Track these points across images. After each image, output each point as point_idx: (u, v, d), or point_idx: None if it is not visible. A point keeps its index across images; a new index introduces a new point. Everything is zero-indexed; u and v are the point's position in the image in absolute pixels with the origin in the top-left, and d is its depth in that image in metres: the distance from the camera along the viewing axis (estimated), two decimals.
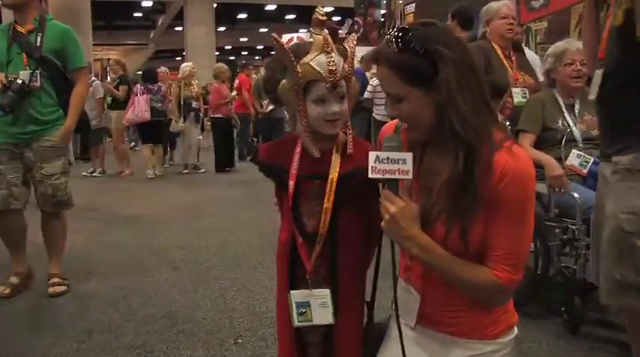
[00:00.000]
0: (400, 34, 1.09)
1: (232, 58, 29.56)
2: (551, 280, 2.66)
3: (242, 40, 29.14)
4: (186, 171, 8.03)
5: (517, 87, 3.03)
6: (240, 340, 2.41)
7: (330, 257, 1.29)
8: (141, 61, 25.59)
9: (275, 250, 1.39)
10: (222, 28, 25.43)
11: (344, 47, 1.28)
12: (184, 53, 20.07)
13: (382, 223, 1.12)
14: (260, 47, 30.42)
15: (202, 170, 8.05)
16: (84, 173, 7.69)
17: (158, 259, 3.74)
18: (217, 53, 22.01)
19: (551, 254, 2.53)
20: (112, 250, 3.98)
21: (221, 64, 8.49)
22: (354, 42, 1.28)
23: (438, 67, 1.07)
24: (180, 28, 21.46)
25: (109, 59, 22.32)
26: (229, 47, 30.46)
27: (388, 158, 1.10)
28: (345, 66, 1.25)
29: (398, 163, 1.09)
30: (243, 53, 33.23)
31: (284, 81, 1.27)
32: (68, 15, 9.11)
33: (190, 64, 8.33)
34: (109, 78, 10.33)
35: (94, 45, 12.25)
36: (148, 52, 27.90)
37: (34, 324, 2.65)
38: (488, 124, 1.11)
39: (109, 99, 7.65)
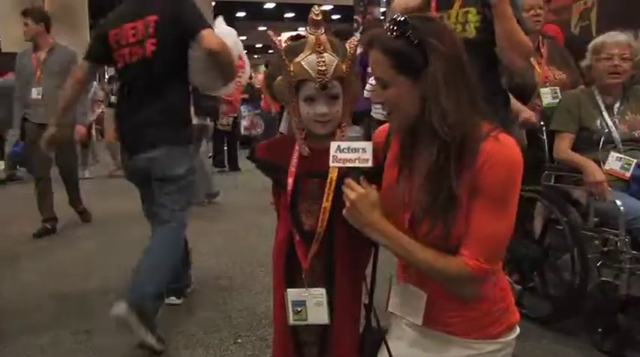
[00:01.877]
0: (399, 22, 1.12)
1: None
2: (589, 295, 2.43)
3: (241, 38, 29.06)
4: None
5: (546, 86, 2.76)
6: (239, 340, 2.41)
7: (327, 256, 1.30)
8: None
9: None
10: None
11: (345, 47, 1.29)
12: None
13: (344, 211, 1.16)
14: (259, 46, 30.45)
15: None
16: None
17: None
18: None
19: (590, 267, 2.29)
20: (110, 249, 3.98)
21: None
22: (355, 42, 1.28)
23: (429, 59, 1.09)
24: None
25: None
26: None
27: (349, 147, 1.15)
28: (343, 66, 1.26)
29: (358, 151, 1.15)
30: None
31: (279, 78, 1.30)
32: (64, 12, 9.12)
33: None
34: (106, 76, 10.30)
35: None
36: None
37: (31, 322, 2.65)
38: (468, 122, 1.12)
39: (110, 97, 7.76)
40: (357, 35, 1.39)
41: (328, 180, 1.25)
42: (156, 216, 2.47)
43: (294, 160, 1.32)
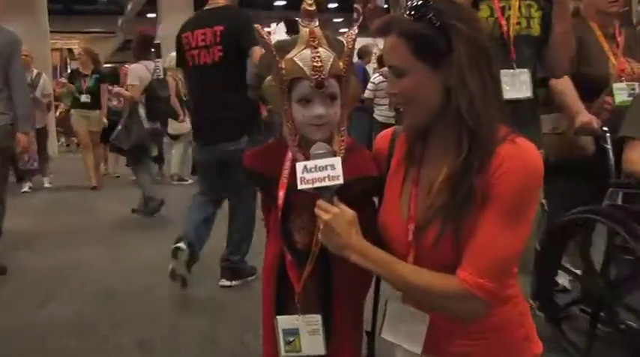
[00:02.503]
0: (419, 3, 1.15)
1: None
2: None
3: None
4: (175, 182, 7.98)
5: (621, 81, 2.57)
6: None
7: (323, 278, 1.31)
8: (107, 52, 25.53)
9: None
10: None
11: (342, 42, 1.29)
12: (157, 41, 19.99)
13: (319, 235, 1.19)
14: None
15: (189, 181, 7.98)
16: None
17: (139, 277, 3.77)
18: None
19: None
20: (76, 271, 3.98)
21: None
22: (354, 36, 1.29)
23: (452, 44, 1.12)
24: (153, 15, 21.46)
25: (69, 49, 22.24)
26: None
27: (316, 166, 1.18)
28: (340, 63, 1.26)
29: (326, 169, 1.17)
30: None
31: (268, 78, 1.30)
32: None
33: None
34: (69, 70, 10.19)
35: (50, 32, 11.76)
36: (115, 42, 27.84)
37: None
38: (494, 115, 1.15)
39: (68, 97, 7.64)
40: (355, 28, 1.38)
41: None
42: (224, 198, 3.57)
43: (287, 170, 1.32)
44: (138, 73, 5.76)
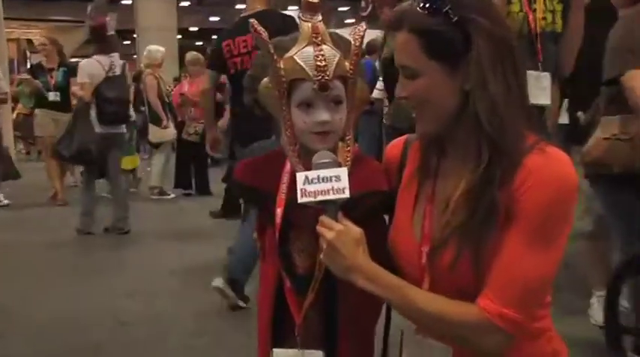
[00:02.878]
0: None
1: (200, 43, 29.55)
2: None
3: (212, 19, 29.11)
4: (155, 196, 8.04)
5: None
6: None
7: (327, 308, 1.32)
8: (74, 44, 25.50)
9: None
10: (185, 3, 25.52)
11: (348, 40, 1.32)
12: (135, 35, 20.06)
13: (321, 255, 1.20)
14: None
15: (171, 195, 8.07)
16: None
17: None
18: (179, 36, 21.88)
19: None
20: (30, 308, 3.97)
21: (195, 53, 8.39)
22: (362, 33, 1.30)
23: (472, 41, 1.15)
24: (128, 2, 21.53)
25: (28, 40, 22.18)
26: (195, 29, 30.51)
27: (319, 177, 1.20)
28: (346, 63, 1.28)
29: (331, 180, 1.19)
30: (214, 37, 32.91)
31: (265, 80, 1.32)
32: None
33: (161, 48, 8.15)
34: (28, 64, 10.11)
35: (5, 19, 11.63)
36: (83, 33, 27.76)
37: None
38: (519, 121, 1.17)
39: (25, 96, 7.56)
40: (364, 24, 1.39)
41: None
42: None
43: (285, 184, 1.34)
44: (88, 69, 5.77)
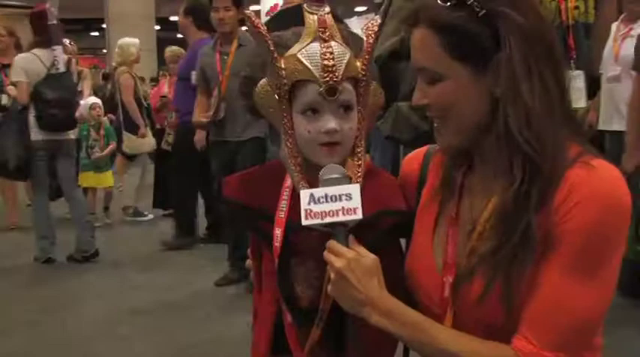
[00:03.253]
0: None
1: (182, 35, 29.38)
2: None
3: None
4: (129, 217, 7.90)
5: None
6: None
7: (334, 347, 1.32)
8: (30, 35, 25.32)
9: None
10: None
11: (359, 37, 1.31)
12: (104, 26, 19.96)
13: (328, 287, 1.19)
14: None
15: (148, 215, 7.93)
16: None
17: None
18: (158, 27, 21.69)
19: None
20: None
21: (175, 48, 8.26)
22: (376, 28, 1.30)
23: (501, 37, 1.14)
24: None
25: None
26: (175, 19, 30.41)
27: (327, 195, 1.19)
28: (357, 63, 1.28)
29: (341, 199, 1.19)
30: None
31: (263, 81, 1.32)
32: None
33: (136, 41, 7.97)
34: None
35: None
36: None
37: None
38: (558, 130, 1.16)
39: None
40: (378, 18, 1.36)
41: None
42: None
43: (285, 201, 1.35)
44: (24, 65, 5.58)
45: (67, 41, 7.56)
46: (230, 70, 4.62)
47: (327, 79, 1.24)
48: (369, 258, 1.19)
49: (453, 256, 1.24)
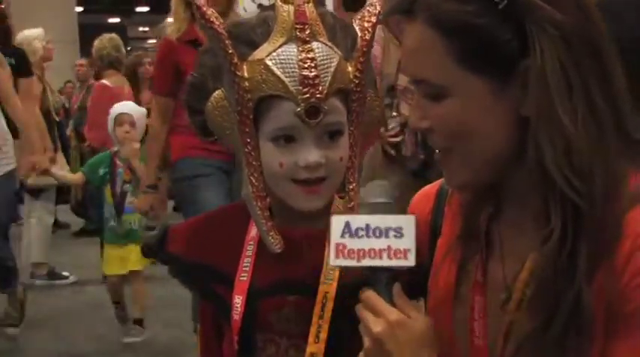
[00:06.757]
0: None
1: (115, 20, 27.72)
2: None
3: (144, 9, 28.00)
4: (40, 281, 6.10)
5: None
6: None
7: None
8: None
9: None
10: None
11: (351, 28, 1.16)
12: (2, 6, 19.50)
13: (360, 355, 1.05)
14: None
15: (69, 278, 6.22)
16: None
17: None
18: (81, 9, 19.83)
19: None
20: None
21: (110, 36, 6.86)
22: (374, 20, 1.15)
23: (530, 40, 0.98)
24: None
25: None
26: None
27: (368, 227, 1.02)
28: (349, 68, 1.14)
29: (388, 235, 1.02)
30: (140, 9, 27.82)
31: (218, 94, 1.16)
32: None
33: (40, 31, 6.83)
34: None
35: None
36: None
37: None
38: (611, 160, 1.00)
39: None
40: (377, 5, 1.18)
41: (318, 299, 1.14)
42: None
43: (248, 259, 1.21)
44: None
45: None
46: None
47: (308, 95, 1.08)
48: (420, 322, 1.03)
49: (483, 332, 1.09)
